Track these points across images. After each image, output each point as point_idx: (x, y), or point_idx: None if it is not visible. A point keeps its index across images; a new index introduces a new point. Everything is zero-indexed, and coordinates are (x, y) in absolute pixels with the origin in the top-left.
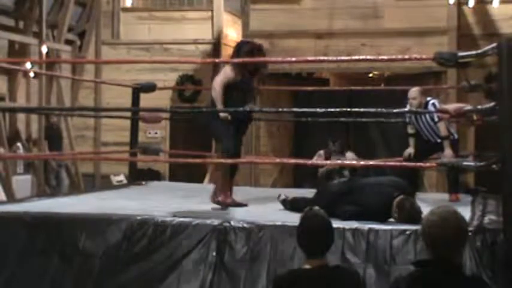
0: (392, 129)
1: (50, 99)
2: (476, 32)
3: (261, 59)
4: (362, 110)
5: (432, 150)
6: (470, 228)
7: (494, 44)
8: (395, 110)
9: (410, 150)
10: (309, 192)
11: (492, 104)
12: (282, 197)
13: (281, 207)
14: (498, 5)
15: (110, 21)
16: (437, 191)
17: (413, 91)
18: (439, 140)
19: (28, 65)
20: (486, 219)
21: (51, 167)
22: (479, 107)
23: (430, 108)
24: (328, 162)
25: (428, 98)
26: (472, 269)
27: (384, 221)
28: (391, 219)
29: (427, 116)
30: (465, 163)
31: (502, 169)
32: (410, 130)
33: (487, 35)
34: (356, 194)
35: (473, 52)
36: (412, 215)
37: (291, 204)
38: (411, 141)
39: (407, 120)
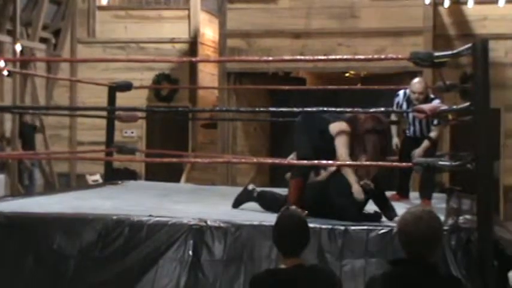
0: None
1: (24, 98)
2: (451, 33)
3: (241, 58)
4: (339, 109)
5: (415, 147)
6: (446, 227)
7: (469, 45)
8: (376, 109)
9: (395, 140)
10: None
11: (467, 103)
12: (251, 187)
13: (258, 207)
14: (473, 6)
15: (86, 19)
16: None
17: (421, 84)
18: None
19: (1, 64)
20: (461, 219)
21: (25, 166)
22: (454, 106)
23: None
24: (304, 162)
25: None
26: (447, 267)
27: (360, 216)
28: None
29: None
30: (440, 162)
31: (477, 168)
32: (393, 117)
33: (462, 35)
34: (326, 195)
35: (449, 52)
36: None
37: (259, 196)
38: (393, 129)
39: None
